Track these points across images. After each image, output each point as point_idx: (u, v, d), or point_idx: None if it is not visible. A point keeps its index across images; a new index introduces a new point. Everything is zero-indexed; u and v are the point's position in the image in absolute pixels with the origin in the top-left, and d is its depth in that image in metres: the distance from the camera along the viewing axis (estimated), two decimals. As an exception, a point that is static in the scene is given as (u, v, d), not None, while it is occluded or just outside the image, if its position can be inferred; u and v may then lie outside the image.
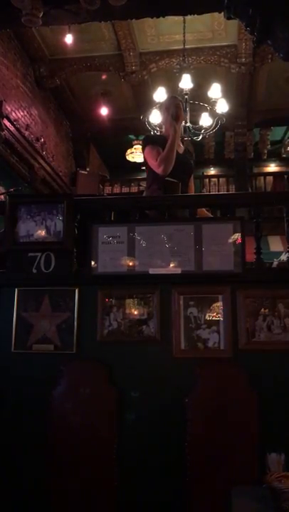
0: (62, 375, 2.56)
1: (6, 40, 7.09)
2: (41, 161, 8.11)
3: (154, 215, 2.93)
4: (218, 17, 6.30)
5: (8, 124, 6.84)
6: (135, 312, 2.60)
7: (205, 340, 2.51)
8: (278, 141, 11.40)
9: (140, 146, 10.85)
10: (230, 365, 2.48)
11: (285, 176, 10.54)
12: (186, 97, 6.10)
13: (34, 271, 2.68)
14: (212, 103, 6.27)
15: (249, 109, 9.43)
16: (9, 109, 7.02)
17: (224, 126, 6.92)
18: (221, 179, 10.33)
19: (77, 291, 2.64)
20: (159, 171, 3.09)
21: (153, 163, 3.14)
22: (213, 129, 6.53)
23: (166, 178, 3.08)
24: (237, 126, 9.62)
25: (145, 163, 3.31)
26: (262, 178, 10.39)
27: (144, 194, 3.70)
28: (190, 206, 2.88)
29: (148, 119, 6.32)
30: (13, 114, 7.20)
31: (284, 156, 11.62)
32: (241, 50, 7.71)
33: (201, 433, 2.39)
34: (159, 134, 3.40)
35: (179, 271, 2.60)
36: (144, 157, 3.27)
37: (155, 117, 6.28)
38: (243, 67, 7.93)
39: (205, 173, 10.93)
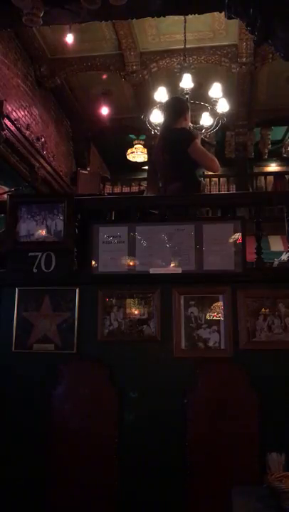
0: (62, 375, 2.56)
1: (7, 40, 7.09)
2: (42, 161, 8.11)
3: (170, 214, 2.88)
4: (219, 17, 6.30)
5: (8, 123, 6.84)
6: (136, 312, 2.60)
7: (205, 339, 2.51)
8: (279, 140, 11.38)
9: (141, 146, 10.88)
10: (230, 364, 2.47)
11: (286, 176, 10.54)
12: (186, 96, 6.09)
13: (35, 270, 2.68)
14: (213, 103, 6.27)
15: (250, 109, 9.42)
16: (10, 108, 7.02)
17: (225, 125, 6.92)
18: (221, 179, 10.32)
19: (77, 290, 2.64)
20: (216, 167, 3.15)
21: (210, 159, 3.13)
22: (213, 129, 6.53)
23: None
24: (238, 125, 9.61)
25: (178, 157, 3.13)
26: (262, 177, 10.38)
27: (145, 192, 3.69)
28: (191, 206, 2.88)
29: (149, 118, 6.32)
30: (14, 113, 7.21)
31: (284, 155, 11.60)
32: (242, 49, 7.70)
33: (201, 433, 2.39)
34: (180, 128, 3.26)
35: (179, 270, 2.60)
36: (193, 150, 3.08)
37: (156, 117, 6.28)
38: (243, 66, 7.92)
39: (205, 173, 10.91)
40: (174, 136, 3.21)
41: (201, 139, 3.32)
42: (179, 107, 3.45)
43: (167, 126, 3.41)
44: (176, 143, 3.16)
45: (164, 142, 3.27)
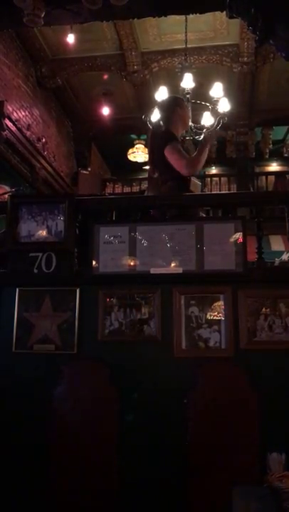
0: (62, 375, 2.56)
1: (8, 40, 7.10)
2: (42, 161, 8.11)
3: (174, 214, 2.87)
4: (220, 16, 6.30)
5: (9, 124, 6.85)
6: (136, 312, 2.60)
7: (206, 339, 2.51)
8: (280, 140, 11.37)
9: (142, 146, 10.88)
10: (231, 364, 2.47)
11: (287, 176, 10.53)
12: (187, 96, 6.10)
13: (35, 271, 2.68)
14: (214, 102, 6.28)
15: (251, 109, 9.42)
16: (11, 109, 7.03)
17: (226, 125, 6.91)
18: (222, 178, 10.32)
19: (78, 291, 2.64)
20: (186, 171, 3.00)
21: (179, 163, 3.00)
22: (214, 128, 6.52)
23: (192, 178, 3.09)
24: (239, 125, 9.61)
25: (161, 158, 3.10)
26: (263, 177, 10.37)
27: (145, 192, 3.69)
28: (192, 206, 2.88)
29: (150, 118, 6.32)
30: (15, 114, 7.21)
31: (286, 155, 11.59)
32: (243, 49, 7.70)
33: (201, 433, 2.39)
34: (164, 129, 3.21)
35: (180, 270, 2.59)
36: (166, 153, 3.04)
37: (157, 117, 6.28)
38: (245, 66, 7.92)
39: (206, 172, 10.91)
40: (156, 139, 3.22)
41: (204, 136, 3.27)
42: (166, 107, 3.42)
43: (155, 128, 3.40)
44: (157, 146, 3.15)
45: (152, 145, 3.27)
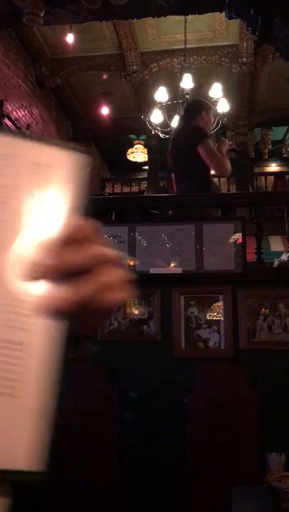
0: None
1: (7, 40, 7.09)
2: (42, 161, 8.11)
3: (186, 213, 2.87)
4: (220, 17, 6.30)
5: (9, 123, 6.84)
6: (136, 312, 2.59)
7: (205, 340, 2.51)
8: (279, 140, 11.38)
9: (141, 146, 10.88)
10: (230, 365, 2.47)
11: (286, 176, 10.54)
12: (187, 96, 6.11)
13: (35, 270, 2.67)
14: (213, 103, 6.27)
15: (250, 109, 9.43)
16: (10, 108, 7.03)
17: (225, 125, 6.92)
18: (221, 179, 10.31)
19: (77, 290, 2.63)
20: (224, 170, 3.06)
21: (221, 160, 3.04)
22: (214, 129, 6.53)
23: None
24: (238, 125, 9.61)
25: (189, 153, 3.09)
26: (263, 177, 10.39)
27: (144, 192, 3.69)
28: (192, 206, 2.88)
29: (149, 118, 6.33)
30: (14, 113, 7.21)
31: (285, 155, 11.60)
32: (242, 49, 7.70)
33: (201, 433, 2.39)
34: (195, 126, 3.21)
35: (179, 271, 2.59)
36: (199, 149, 3.03)
37: (156, 117, 6.29)
38: (244, 66, 7.92)
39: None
40: (186, 134, 3.19)
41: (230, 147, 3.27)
42: (192, 108, 3.41)
43: (180, 126, 3.39)
44: (187, 140, 3.12)
45: (175, 141, 3.24)
